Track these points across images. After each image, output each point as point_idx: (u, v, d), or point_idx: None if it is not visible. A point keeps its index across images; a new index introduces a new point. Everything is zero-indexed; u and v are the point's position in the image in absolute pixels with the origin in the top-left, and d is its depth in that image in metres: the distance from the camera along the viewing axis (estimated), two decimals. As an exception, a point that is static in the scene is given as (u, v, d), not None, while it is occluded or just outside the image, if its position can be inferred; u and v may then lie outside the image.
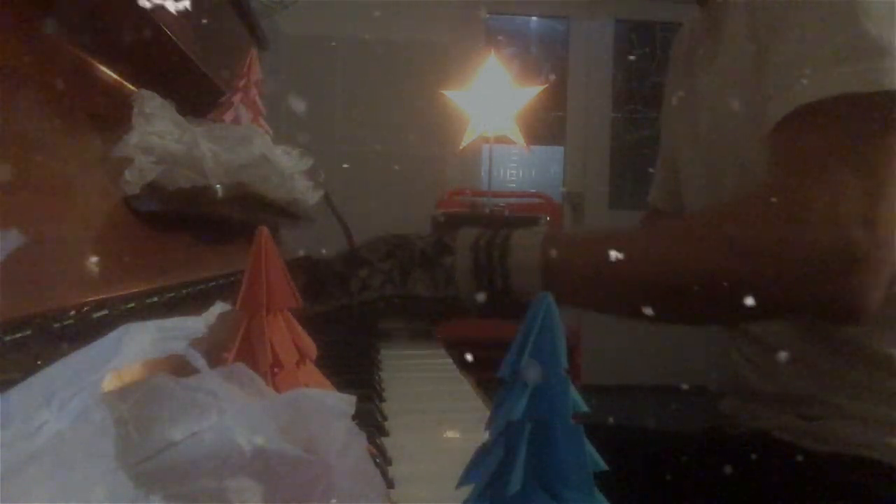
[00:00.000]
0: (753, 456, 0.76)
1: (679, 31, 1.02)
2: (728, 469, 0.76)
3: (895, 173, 0.63)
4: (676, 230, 0.75)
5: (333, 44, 3.53)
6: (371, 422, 0.54)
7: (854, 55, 0.63)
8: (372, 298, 0.73)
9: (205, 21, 0.82)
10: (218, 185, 0.61)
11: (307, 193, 0.83)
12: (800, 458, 0.74)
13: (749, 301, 0.63)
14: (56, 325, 0.40)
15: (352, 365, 0.73)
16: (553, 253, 0.70)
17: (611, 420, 0.91)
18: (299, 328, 0.39)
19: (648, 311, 0.68)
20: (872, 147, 0.64)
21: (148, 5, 0.58)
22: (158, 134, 0.59)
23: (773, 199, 0.66)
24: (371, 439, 0.48)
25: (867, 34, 0.63)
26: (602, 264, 0.69)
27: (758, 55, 0.73)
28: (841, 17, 0.65)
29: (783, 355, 0.79)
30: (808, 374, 0.78)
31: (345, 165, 3.43)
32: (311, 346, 0.40)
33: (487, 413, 0.22)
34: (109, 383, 0.23)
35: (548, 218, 1.02)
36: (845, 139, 0.65)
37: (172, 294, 0.58)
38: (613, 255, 0.69)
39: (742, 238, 0.65)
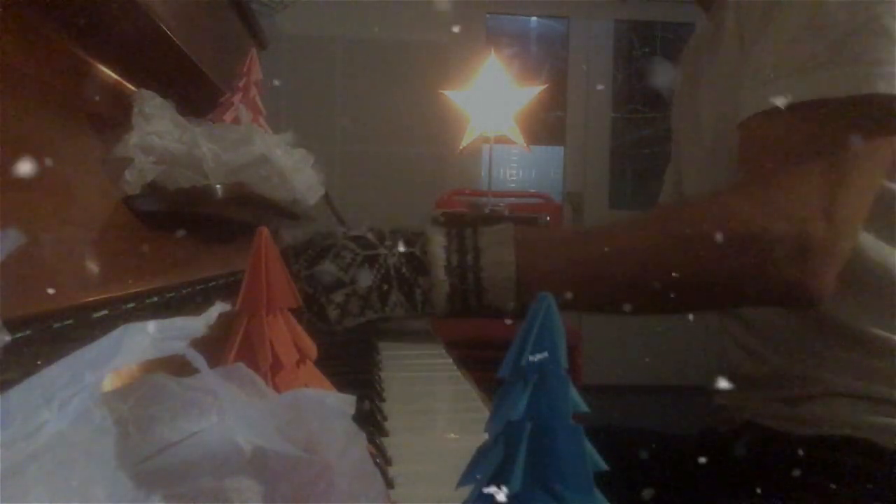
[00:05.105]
0: (747, 451, 0.77)
1: (690, 38, 1.04)
2: (725, 469, 0.77)
3: (856, 172, 0.68)
4: (643, 223, 0.79)
5: (333, 44, 3.53)
6: (371, 422, 0.54)
7: (829, 61, 0.68)
8: (355, 324, 0.77)
9: (205, 21, 0.82)
10: (218, 185, 0.62)
11: (307, 193, 0.83)
12: (788, 444, 0.75)
13: (712, 291, 0.72)
14: (56, 325, 0.40)
15: (352, 365, 0.73)
16: (525, 266, 0.74)
17: (611, 420, 0.91)
18: (299, 328, 0.39)
19: (620, 306, 0.72)
20: (837, 147, 0.68)
21: (148, 5, 0.58)
22: (158, 134, 0.59)
23: (740, 194, 0.72)
24: (371, 439, 0.48)
25: (843, 41, 0.67)
26: (573, 267, 0.75)
27: (741, 55, 0.77)
28: (817, 24, 0.69)
29: (771, 335, 0.83)
30: (795, 352, 0.80)
31: (345, 165, 3.43)
32: (311, 346, 0.40)
33: (487, 413, 0.22)
34: (109, 383, 0.23)
35: (548, 218, 1.02)
36: (814, 139, 0.70)
37: (172, 294, 0.58)
38: (580, 255, 0.76)
39: (706, 230, 0.68)
